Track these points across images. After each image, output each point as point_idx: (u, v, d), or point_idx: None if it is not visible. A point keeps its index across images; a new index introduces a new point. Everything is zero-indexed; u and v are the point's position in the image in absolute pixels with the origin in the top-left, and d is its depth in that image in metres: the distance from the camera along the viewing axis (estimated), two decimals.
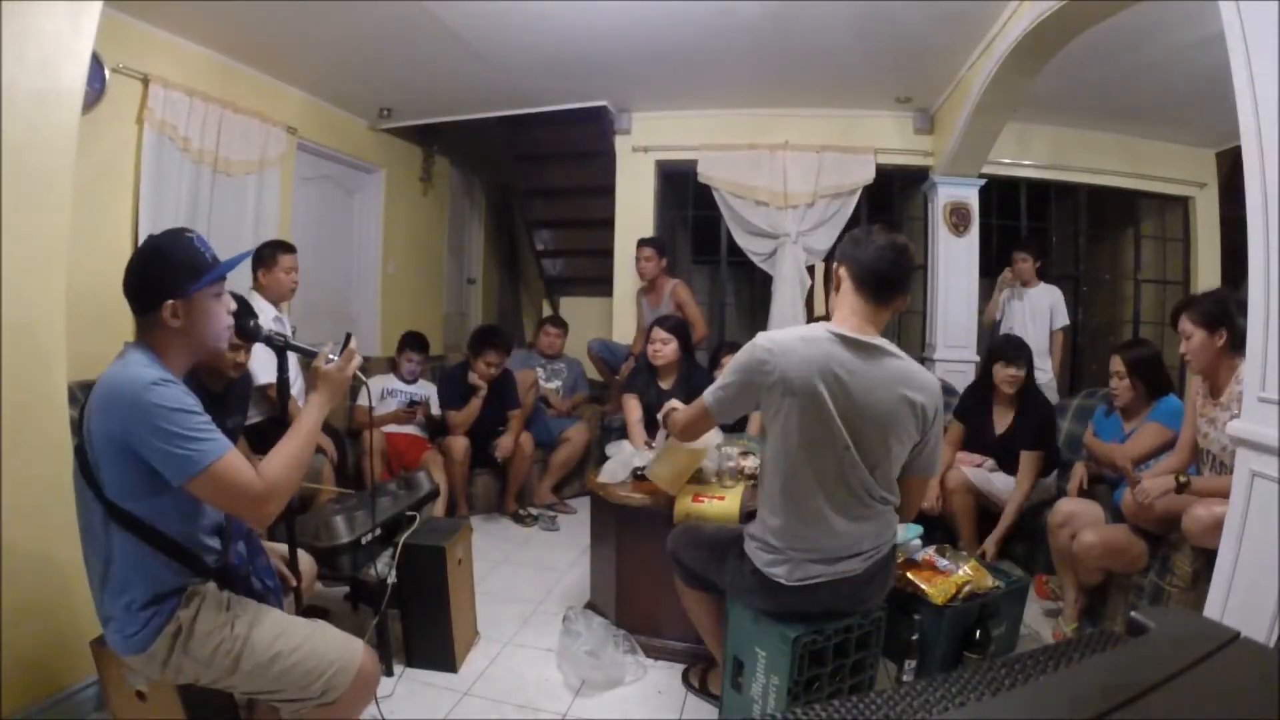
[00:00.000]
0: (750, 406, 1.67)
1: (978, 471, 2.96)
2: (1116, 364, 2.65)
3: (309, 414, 1.40)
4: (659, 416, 2.05)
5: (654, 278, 4.19)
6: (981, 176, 4.28)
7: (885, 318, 1.63)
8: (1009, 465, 2.97)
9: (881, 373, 1.57)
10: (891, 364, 1.59)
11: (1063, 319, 4.00)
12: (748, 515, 1.99)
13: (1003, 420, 3.03)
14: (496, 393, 3.68)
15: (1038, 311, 3.90)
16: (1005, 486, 2.94)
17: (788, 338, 1.59)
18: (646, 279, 4.22)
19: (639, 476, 2.39)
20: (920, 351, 4.44)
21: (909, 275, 1.64)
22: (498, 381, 3.68)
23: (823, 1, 2.96)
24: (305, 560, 1.81)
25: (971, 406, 3.13)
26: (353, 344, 1.49)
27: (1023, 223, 4.68)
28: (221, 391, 2.13)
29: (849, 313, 1.61)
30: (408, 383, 3.85)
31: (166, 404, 1.20)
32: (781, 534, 1.63)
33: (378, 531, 2.12)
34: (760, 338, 1.62)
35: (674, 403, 2.02)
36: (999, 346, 3.08)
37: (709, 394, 1.71)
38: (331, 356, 1.48)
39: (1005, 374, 2.98)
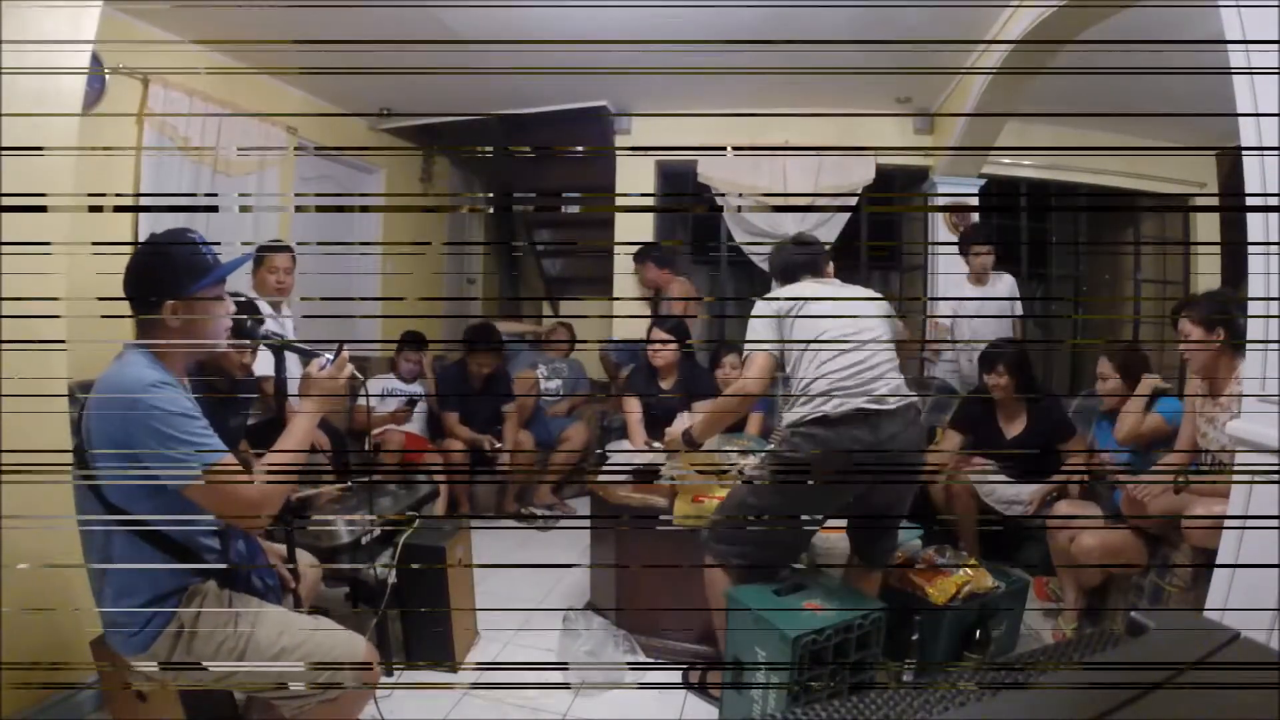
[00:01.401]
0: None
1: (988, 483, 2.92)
2: (1104, 366, 2.64)
3: (298, 423, 1.40)
4: (679, 435, 2.13)
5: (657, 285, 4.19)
6: (981, 176, 4.28)
7: None
8: (1025, 470, 2.89)
9: None
10: None
11: (1019, 309, 3.77)
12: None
13: (1012, 427, 2.96)
14: (492, 392, 3.69)
15: (997, 308, 3.66)
16: (1005, 493, 2.92)
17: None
18: (660, 287, 4.21)
19: (639, 477, 2.39)
20: (921, 351, 4.43)
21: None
22: (491, 380, 3.69)
23: (823, 6, 2.97)
24: (310, 562, 1.80)
25: (976, 416, 3.04)
26: (345, 354, 1.48)
27: (1023, 223, 4.68)
28: (227, 390, 2.13)
29: None
30: (407, 382, 3.85)
31: (164, 407, 1.21)
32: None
33: (377, 531, 2.13)
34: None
35: (686, 421, 2.12)
36: (983, 353, 2.99)
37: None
38: (328, 356, 1.48)
39: (988, 382, 2.92)
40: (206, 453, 1.22)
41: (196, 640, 1.31)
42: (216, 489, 1.23)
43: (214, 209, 3.35)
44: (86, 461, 1.25)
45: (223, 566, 1.40)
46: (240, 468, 1.27)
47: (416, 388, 3.85)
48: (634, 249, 4.29)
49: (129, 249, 1.40)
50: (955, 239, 4.27)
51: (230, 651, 1.32)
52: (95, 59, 2.67)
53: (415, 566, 2.14)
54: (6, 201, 1.66)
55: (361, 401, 3.63)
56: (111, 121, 2.91)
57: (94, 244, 1.45)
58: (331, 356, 1.47)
